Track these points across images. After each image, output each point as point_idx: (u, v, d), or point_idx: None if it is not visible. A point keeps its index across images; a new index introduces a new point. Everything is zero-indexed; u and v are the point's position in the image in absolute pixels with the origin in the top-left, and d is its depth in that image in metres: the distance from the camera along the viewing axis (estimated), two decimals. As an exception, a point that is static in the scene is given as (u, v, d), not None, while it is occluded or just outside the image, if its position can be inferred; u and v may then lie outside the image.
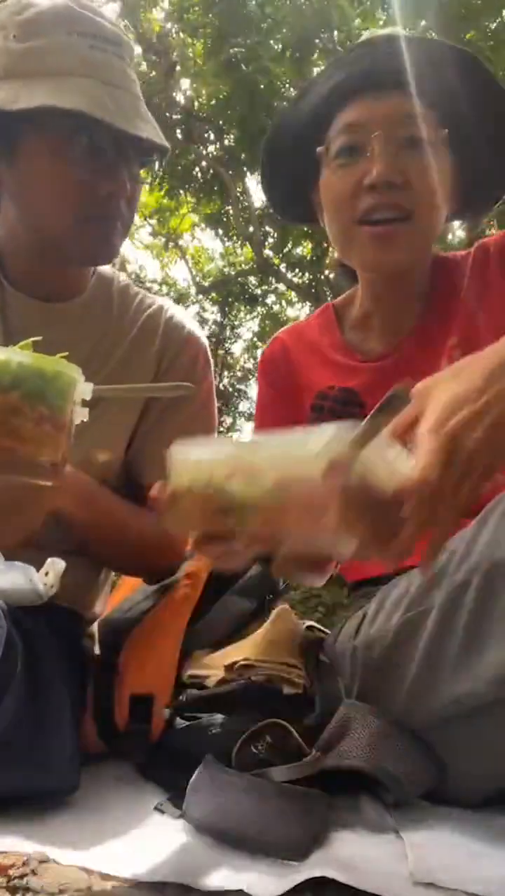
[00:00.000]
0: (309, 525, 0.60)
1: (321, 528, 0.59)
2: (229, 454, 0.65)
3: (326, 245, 9.85)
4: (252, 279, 11.23)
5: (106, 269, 1.09)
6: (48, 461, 0.59)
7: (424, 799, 0.83)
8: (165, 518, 0.68)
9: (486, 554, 0.74)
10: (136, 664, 0.93)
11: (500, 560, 0.72)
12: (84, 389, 0.62)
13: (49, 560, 0.81)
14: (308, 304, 10.92)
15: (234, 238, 10.90)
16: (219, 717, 0.82)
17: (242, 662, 0.89)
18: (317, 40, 7.61)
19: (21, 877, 0.61)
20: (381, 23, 7.49)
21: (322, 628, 1.15)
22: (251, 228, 9.47)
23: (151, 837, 0.72)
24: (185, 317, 1.11)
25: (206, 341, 1.12)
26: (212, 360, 1.13)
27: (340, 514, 0.56)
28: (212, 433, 1.10)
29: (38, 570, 0.79)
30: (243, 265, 11.62)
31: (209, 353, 1.12)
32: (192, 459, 0.67)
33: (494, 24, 6.98)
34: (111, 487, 1.02)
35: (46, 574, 0.79)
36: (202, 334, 1.12)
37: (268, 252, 10.07)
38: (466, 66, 0.96)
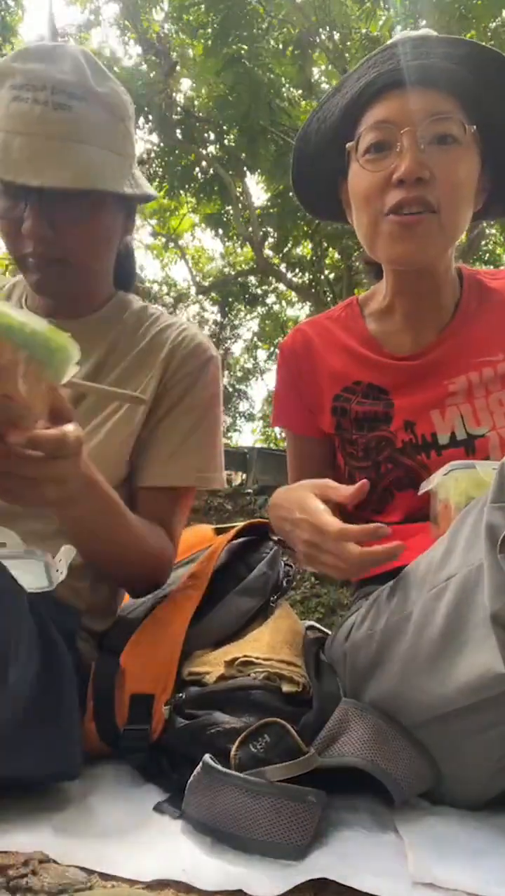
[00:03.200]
0: None
1: None
2: None
3: (325, 245, 9.87)
4: (252, 279, 11.25)
5: (129, 294, 1.16)
6: (36, 416, 0.67)
7: (423, 799, 0.83)
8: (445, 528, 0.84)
9: (461, 560, 0.75)
10: (137, 664, 0.93)
11: (474, 567, 0.72)
12: (70, 371, 0.69)
13: (64, 547, 0.82)
14: (308, 304, 10.93)
15: (235, 238, 10.90)
16: (217, 716, 0.82)
17: (243, 659, 0.89)
18: (318, 39, 7.61)
19: (21, 877, 0.61)
20: (380, 22, 7.49)
21: (323, 628, 1.15)
22: (251, 228, 9.46)
23: (151, 837, 0.72)
24: (199, 333, 1.13)
25: (217, 357, 1.13)
26: (221, 379, 1.13)
27: None
28: (215, 442, 1.10)
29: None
30: (243, 265, 11.63)
31: (219, 367, 1.12)
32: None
33: (494, 25, 6.97)
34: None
35: (59, 561, 0.79)
36: (215, 351, 1.13)
37: (268, 252, 10.07)
38: (497, 66, 0.97)
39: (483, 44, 1.01)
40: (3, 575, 0.71)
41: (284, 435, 1.28)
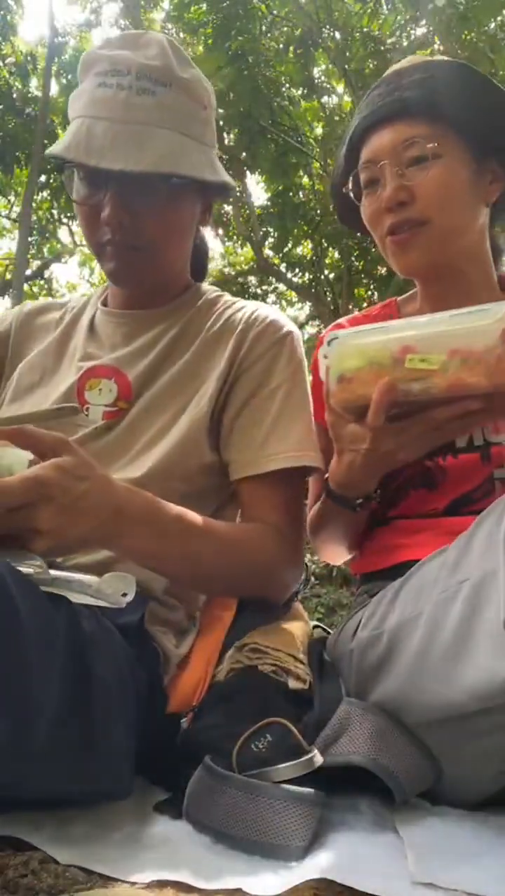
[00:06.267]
0: (487, 387, 0.78)
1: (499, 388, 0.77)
2: (396, 334, 0.83)
3: (325, 245, 9.84)
4: (252, 279, 11.23)
5: (204, 285, 1.18)
6: None
7: (423, 799, 0.83)
8: (333, 402, 0.89)
9: (476, 564, 0.75)
10: (171, 684, 0.92)
11: (489, 572, 0.72)
12: None
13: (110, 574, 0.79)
14: (308, 304, 10.91)
15: (235, 238, 10.89)
16: (220, 715, 0.82)
17: (252, 645, 0.89)
18: (319, 39, 7.59)
19: (21, 877, 0.61)
20: (380, 20, 7.49)
21: (326, 627, 1.15)
22: (251, 228, 9.45)
23: (151, 837, 0.72)
24: (274, 312, 1.11)
25: (295, 332, 1.10)
26: (302, 354, 1.09)
27: None
28: (306, 418, 1.04)
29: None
30: (243, 265, 11.61)
31: (299, 343, 1.09)
32: (355, 344, 0.86)
33: (494, 25, 6.97)
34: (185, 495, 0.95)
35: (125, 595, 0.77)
36: (292, 327, 1.10)
37: (268, 252, 10.06)
38: (462, 75, 1.09)
39: (447, 59, 1.15)
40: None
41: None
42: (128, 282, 1.07)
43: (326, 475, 1.01)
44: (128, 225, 0.98)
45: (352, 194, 1.16)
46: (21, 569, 0.68)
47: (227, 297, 1.15)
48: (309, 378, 1.19)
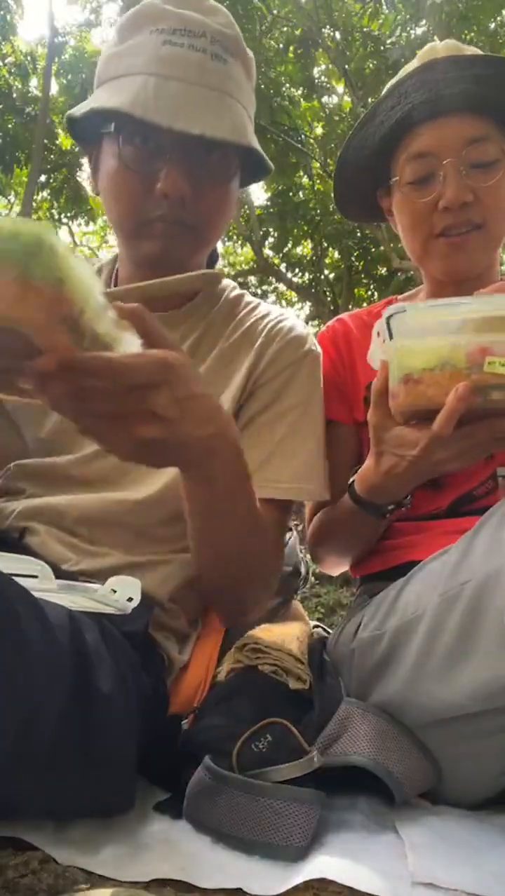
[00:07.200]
0: None
1: None
2: (466, 336, 0.74)
3: (325, 245, 9.84)
4: (252, 279, 11.24)
5: (223, 280, 1.09)
6: (29, 333, 0.52)
7: (423, 799, 0.83)
8: (397, 405, 0.79)
9: (478, 566, 0.75)
10: (172, 686, 0.92)
11: (491, 573, 0.72)
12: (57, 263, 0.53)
13: (118, 578, 0.78)
14: (308, 304, 10.91)
15: (235, 238, 10.89)
16: (219, 716, 0.82)
17: (252, 645, 0.89)
18: (319, 39, 7.59)
19: (21, 877, 0.61)
20: (380, 20, 7.48)
21: (326, 628, 1.15)
22: (251, 228, 9.45)
23: (151, 837, 0.72)
24: (299, 323, 1.04)
25: (317, 352, 1.03)
26: (320, 376, 1.03)
27: None
28: (313, 447, 0.98)
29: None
30: (243, 265, 11.62)
31: (319, 363, 1.03)
32: (421, 345, 0.76)
33: (493, 25, 6.97)
34: None
35: (130, 599, 0.76)
36: (314, 344, 1.03)
37: (268, 252, 10.06)
38: None
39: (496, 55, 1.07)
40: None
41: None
42: (169, 266, 0.94)
43: (352, 480, 0.97)
44: (189, 199, 0.89)
45: (394, 184, 1.09)
46: (25, 576, 0.67)
47: (248, 297, 1.07)
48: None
